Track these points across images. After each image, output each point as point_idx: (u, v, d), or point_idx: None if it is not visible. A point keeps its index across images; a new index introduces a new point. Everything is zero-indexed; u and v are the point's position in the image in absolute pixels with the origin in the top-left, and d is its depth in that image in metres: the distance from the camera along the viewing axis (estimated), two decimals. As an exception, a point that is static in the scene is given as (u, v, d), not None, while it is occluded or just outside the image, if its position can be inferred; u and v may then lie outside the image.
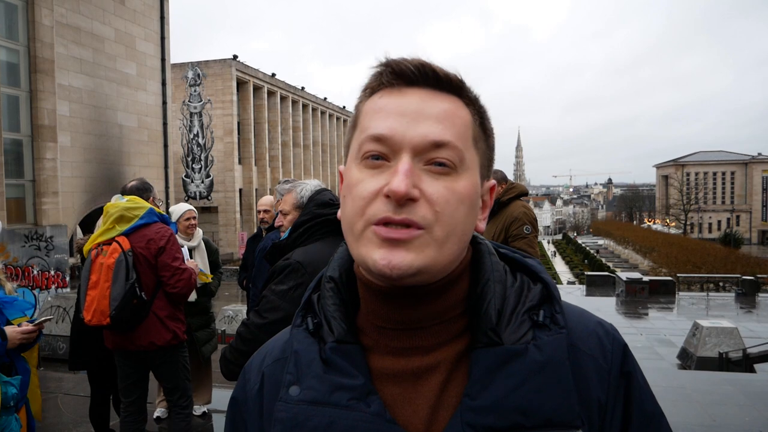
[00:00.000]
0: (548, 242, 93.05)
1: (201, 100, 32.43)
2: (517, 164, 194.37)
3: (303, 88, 43.38)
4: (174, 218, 4.48)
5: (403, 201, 0.60)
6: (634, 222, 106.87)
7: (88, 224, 15.73)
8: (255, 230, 5.45)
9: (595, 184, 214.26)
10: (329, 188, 2.58)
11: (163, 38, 19.96)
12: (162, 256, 3.28)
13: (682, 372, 9.01)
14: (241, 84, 34.97)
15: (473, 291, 0.68)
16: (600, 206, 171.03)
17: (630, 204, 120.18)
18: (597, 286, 21.61)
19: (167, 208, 7.55)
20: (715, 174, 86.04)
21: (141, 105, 19.00)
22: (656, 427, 0.70)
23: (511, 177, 4.49)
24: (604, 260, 53.49)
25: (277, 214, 2.74)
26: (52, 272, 11.16)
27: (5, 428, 2.56)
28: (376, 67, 0.68)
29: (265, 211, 4.73)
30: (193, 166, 32.53)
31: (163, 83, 20.02)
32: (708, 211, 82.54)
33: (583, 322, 0.70)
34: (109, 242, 3.21)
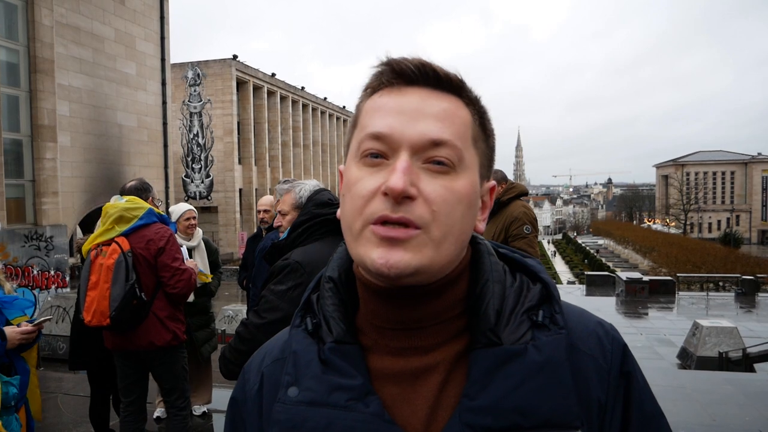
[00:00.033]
0: (548, 242, 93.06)
1: (201, 100, 32.45)
2: (517, 164, 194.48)
3: (303, 88, 43.37)
4: (174, 218, 4.48)
5: (401, 198, 0.60)
6: (634, 222, 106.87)
7: (88, 224, 15.73)
8: (255, 230, 5.45)
9: (595, 183, 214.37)
10: (329, 188, 2.58)
11: (163, 38, 19.96)
12: (162, 257, 3.28)
13: (682, 372, 9.00)
14: (240, 84, 34.96)
15: (472, 291, 0.68)
16: (600, 206, 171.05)
17: (630, 204, 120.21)
18: (597, 285, 21.61)
19: (167, 208, 7.55)
20: (714, 174, 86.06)
21: (141, 105, 19.00)
22: (656, 427, 0.70)
23: (511, 177, 4.49)
24: (604, 260, 53.50)
25: (277, 214, 2.74)
26: (52, 272, 11.16)
27: (6, 428, 2.56)
28: (376, 67, 0.68)
29: (265, 211, 4.73)
30: (193, 166, 32.56)
31: (163, 83, 20.02)
32: (708, 210, 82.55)
33: (582, 322, 0.70)
34: (108, 243, 3.21)
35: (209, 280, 4.66)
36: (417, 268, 0.61)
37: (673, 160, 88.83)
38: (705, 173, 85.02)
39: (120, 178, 16.95)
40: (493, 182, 0.72)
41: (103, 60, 17.20)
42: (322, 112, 48.25)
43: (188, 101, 32.56)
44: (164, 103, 20.09)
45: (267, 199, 4.81)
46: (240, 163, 35.16)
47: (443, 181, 0.63)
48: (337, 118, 52.10)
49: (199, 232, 4.72)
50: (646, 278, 19.25)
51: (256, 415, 0.73)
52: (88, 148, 16.65)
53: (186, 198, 31.54)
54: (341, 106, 52.56)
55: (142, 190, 3.60)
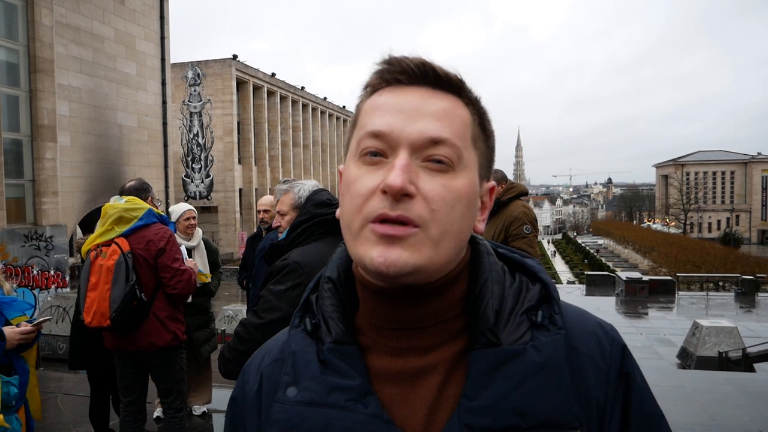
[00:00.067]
0: (548, 242, 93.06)
1: (201, 100, 32.45)
2: (517, 164, 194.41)
3: (303, 87, 43.37)
4: (173, 218, 4.48)
5: (399, 196, 0.60)
6: (634, 222, 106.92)
7: (87, 224, 15.74)
8: (255, 230, 5.45)
9: (595, 183, 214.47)
10: (328, 188, 2.58)
11: (163, 38, 19.95)
12: (162, 258, 3.28)
13: (682, 371, 9.01)
14: (240, 84, 34.96)
15: (471, 291, 0.68)
16: (600, 206, 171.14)
17: (630, 204, 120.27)
18: (597, 285, 21.62)
19: (167, 207, 7.55)
20: (714, 174, 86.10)
21: (141, 105, 19.00)
22: (656, 428, 0.69)
23: (511, 177, 4.49)
24: (603, 260, 53.52)
25: (276, 214, 2.74)
26: (52, 272, 11.17)
27: (6, 428, 2.56)
28: (377, 66, 0.68)
29: (265, 210, 4.73)
30: (193, 165, 32.57)
31: (163, 83, 20.01)
32: (708, 210, 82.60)
33: (582, 322, 0.70)
34: (108, 244, 3.20)
35: (209, 280, 4.66)
36: (415, 266, 0.61)
37: (673, 160, 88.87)
38: (705, 173, 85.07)
39: (120, 178, 16.95)
40: (492, 183, 0.72)
41: (103, 60, 17.20)
42: (322, 112, 48.26)
43: (188, 101, 32.56)
44: (164, 103, 20.08)
45: (267, 199, 4.81)
46: (240, 162, 35.16)
47: (442, 179, 0.62)
48: (337, 118, 52.10)
49: (198, 232, 4.72)
50: (645, 278, 19.27)
51: (255, 415, 0.73)
52: (88, 148, 16.65)
53: (186, 198, 31.54)
54: (341, 106, 52.56)
55: (141, 191, 3.60)
